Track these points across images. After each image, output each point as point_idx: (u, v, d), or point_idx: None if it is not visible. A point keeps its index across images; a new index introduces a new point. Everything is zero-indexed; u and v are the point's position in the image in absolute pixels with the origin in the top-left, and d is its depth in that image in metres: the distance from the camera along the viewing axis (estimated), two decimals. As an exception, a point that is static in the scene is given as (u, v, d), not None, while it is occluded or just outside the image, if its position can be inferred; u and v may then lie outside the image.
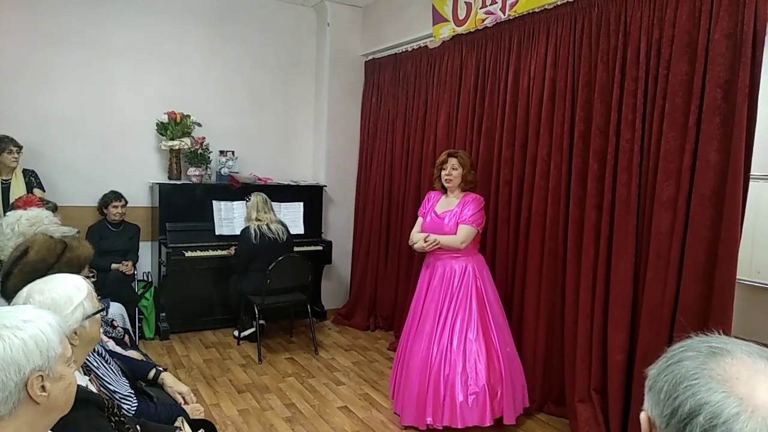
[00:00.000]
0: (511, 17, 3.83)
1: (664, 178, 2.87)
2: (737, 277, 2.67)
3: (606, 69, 3.21)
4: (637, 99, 3.02)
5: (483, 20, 4.07)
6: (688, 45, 2.78)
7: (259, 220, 4.53)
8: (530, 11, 3.68)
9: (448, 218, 3.39)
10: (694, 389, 0.70)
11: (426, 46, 4.79)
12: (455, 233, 3.34)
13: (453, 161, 3.46)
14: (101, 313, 1.65)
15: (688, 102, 2.78)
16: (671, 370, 0.75)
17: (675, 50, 2.83)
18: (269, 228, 4.50)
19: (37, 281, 1.56)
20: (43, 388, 1.08)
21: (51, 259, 1.92)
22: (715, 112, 2.65)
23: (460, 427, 3.12)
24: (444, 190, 3.53)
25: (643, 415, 0.79)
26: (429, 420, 3.19)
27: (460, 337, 3.22)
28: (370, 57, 5.65)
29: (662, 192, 2.88)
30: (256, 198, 4.61)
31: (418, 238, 3.44)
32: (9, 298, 1.74)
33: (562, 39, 3.48)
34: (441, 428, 3.18)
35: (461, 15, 4.27)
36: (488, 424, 3.12)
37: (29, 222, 2.60)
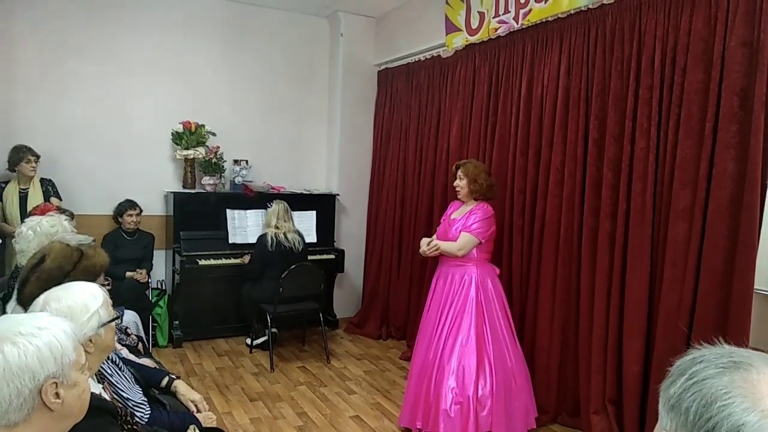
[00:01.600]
0: (524, 26, 3.82)
1: (680, 186, 2.84)
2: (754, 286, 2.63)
3: (620, 77, 3.19)
4: (652, 107, 2.99)
5: (496, 29, 4.06)
6: (703, 53, 2.76)
7: (278, 227, 4.55)
8: (543, 20, 3.67)
9: (456, 226, 3.40)
10: (730, 409, 0.68)
11: (439, 55, 4.80)
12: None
13: (459, 172, 3.48)
14: (116, 321, 1.66)
15: (704, 110, 2.75)
16: (698, 388, 0.72)
17: (690, 58, 2.81)
18: (286, 237, 4.51)
19: (54, 289, 1.57)
20: (57, 395, 1.08)
21: (67, 266, 1.94)
22: (732, 120, 2.63)
23: None
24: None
25: None
26: (419, 425, 3.22)
27: (454, 344, 3.21)
28: (383, 66, 5.67)
29: (678, 201, 2.85)
30: (278, 206, 4.63)
31: (423, 243, 3.48)
32: (26, 305, 1.76)
33: (575, 48, 3.46)
34: None
35: (474, 24, 4.28)
36: None
37: (50, 223, 2.63)
